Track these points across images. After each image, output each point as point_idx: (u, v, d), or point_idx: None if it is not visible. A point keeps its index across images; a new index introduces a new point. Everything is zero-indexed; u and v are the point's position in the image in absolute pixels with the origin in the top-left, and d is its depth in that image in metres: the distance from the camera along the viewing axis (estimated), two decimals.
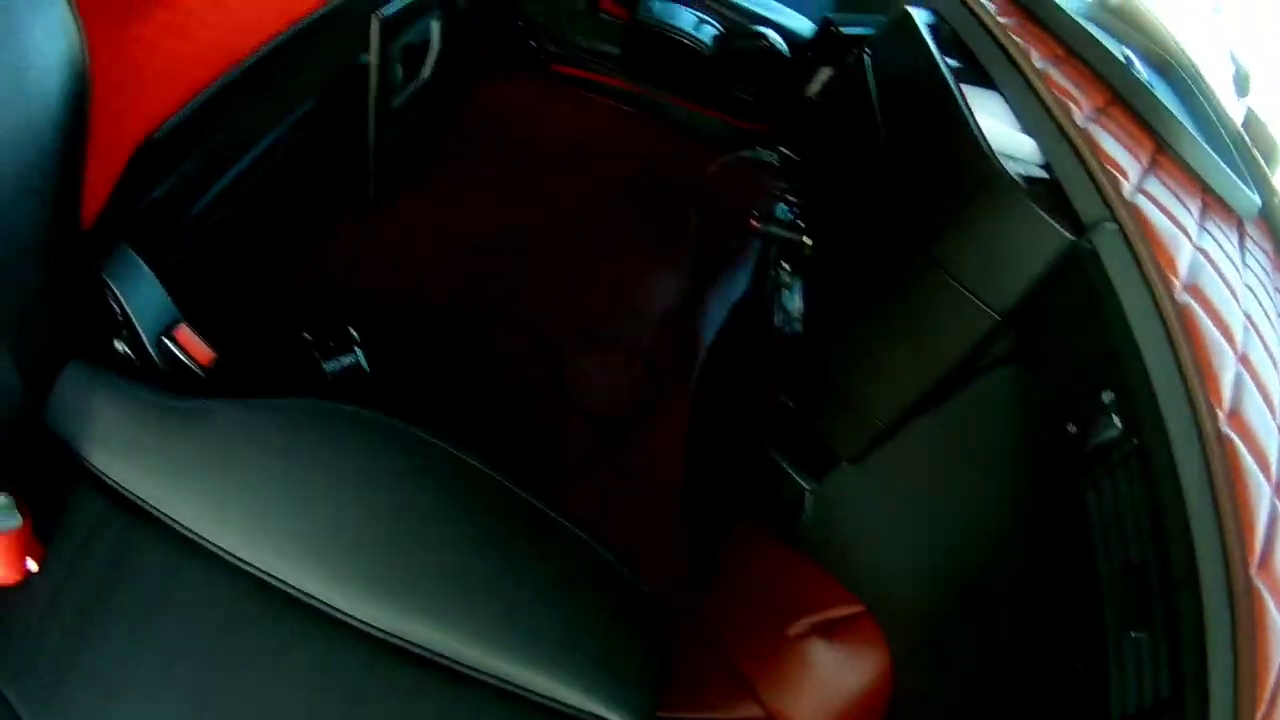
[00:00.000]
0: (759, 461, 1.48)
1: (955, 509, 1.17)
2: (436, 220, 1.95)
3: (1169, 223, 0.94)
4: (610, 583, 0.92)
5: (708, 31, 2.06)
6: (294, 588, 0.84)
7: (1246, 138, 1.29)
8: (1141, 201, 0.94)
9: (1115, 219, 0.92)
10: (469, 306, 1.81)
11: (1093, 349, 0.92)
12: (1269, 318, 1.00)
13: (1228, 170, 1.12)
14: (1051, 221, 0.96)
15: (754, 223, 1.52)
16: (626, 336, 1.86)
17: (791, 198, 1.62)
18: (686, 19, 2.06)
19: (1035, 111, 1.08)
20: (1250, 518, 0.74)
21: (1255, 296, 1.01)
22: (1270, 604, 0.70)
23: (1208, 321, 0.86)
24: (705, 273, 1.98)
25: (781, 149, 1.66)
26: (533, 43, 2.30)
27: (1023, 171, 1.03)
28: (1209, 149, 1.11)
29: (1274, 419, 0.85)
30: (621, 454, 1.68)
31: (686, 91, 2.20)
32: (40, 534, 0.84)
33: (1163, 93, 1.27)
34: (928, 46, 1.24)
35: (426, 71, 1.76)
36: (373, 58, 1.56)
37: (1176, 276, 0.88)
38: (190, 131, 1.16)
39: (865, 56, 1.46)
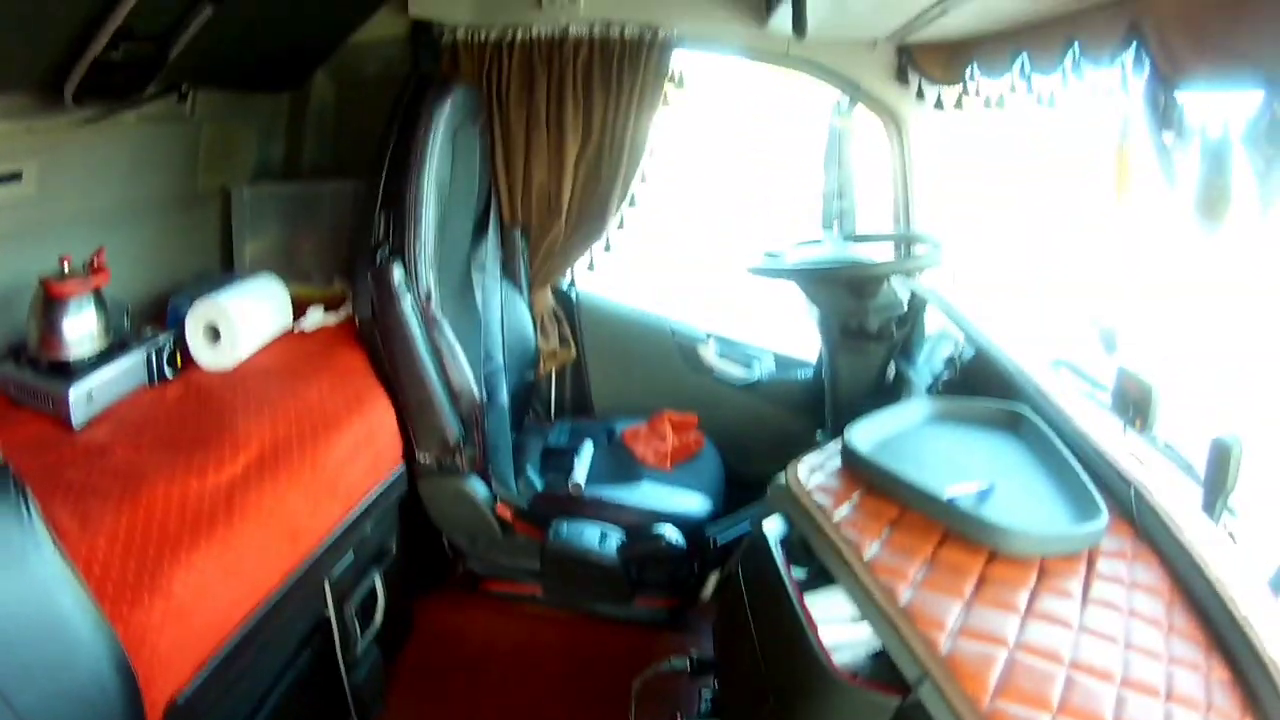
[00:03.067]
0: None
1: None
2: None
3: (980, 648, 1.29)
4: None
5: (611, 544, 2.53)
6: None
7: (1104, 449, 1.73)
8: (956, 645, 1.29)
9: (929, 676, 1.26)
10: None
11: None
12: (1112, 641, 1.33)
13: (1059, 532, 1.52)
14: (871, 693, 1.32)
15: None
16: None
17: (707, 691, 1.95)
18: (591, 536, 2.53)
19: (863, 601, 1.43)
20: None
21: (1094, 630, 1.35)
22: None
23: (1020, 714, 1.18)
24: None
25: (691, 653, 2.00)
26: (461, 567, 2.78)
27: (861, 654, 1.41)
28: (1030, 533, 1.49)
29: None
30: None
31: (601, 597, 2.64)
32: None
33: (1010, 452, 1.77)
34: (775, 562, 1.60)
35: (378, 619, 2.23)
36: (331, 616, 2.03)
37: (985, 693, 1.21)
38: (200, 702, 1.58)
39: (738, 567, 1.81)
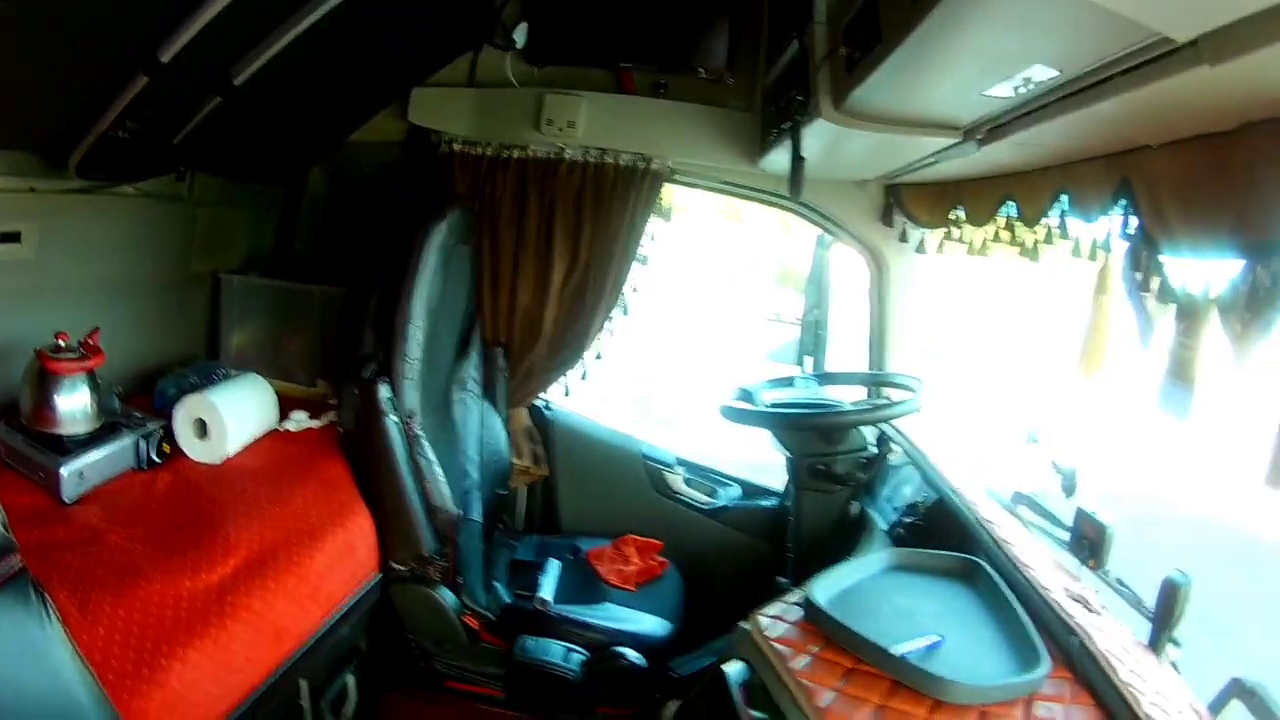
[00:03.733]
0: None
1: None
2: None
3: None
4: None
5: (575, 659, 2.68)
6: None
7: (1051, 598, 1.85)
8: None
9: None
10: None
11: None
12: None
13: (997, 683, 1.64)
14: None
15: None
16: None
17: None
18: (556, 652, 2.68)
19: None
20: None
21: None
22: None
23: None
24: None
25: None
26: (422, 664, 2.89)
27: None
28: (968, 684, 1.61)
29: None
30: None
31: (563, 707, 2.75)
32: None
33: (963, 602, 1.90)
34: (736, 704, 1.76)
35: (349, 712, 2.46)
36: (306, 708, 2.20)
37: None
38: None
39: (700, 701, 1.97)
